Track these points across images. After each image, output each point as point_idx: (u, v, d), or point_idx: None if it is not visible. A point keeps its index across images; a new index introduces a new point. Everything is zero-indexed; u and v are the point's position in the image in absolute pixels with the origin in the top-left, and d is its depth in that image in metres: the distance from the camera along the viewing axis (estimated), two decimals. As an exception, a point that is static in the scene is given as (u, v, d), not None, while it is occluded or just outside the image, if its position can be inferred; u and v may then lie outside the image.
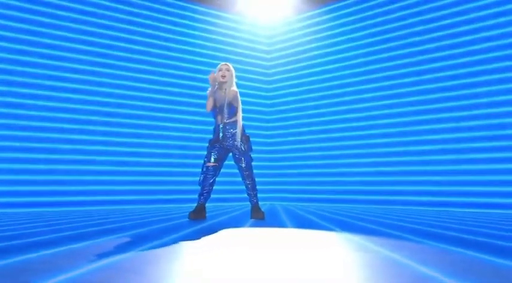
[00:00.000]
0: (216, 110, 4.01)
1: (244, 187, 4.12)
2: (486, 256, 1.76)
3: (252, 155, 4.09)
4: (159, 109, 7.49)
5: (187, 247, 2.01)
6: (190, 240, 2.31)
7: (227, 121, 3.99)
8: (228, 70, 4.00)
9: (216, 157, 4.01)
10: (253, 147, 4.23)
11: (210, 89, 3.97)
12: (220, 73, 3.97)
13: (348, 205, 7.36)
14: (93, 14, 7.04)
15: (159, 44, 7.67)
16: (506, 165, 5.92)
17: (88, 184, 6.56)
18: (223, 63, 4.10)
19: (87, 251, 1.85)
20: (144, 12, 7.61)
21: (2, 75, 6.11)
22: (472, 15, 6.57)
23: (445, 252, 1.89)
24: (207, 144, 4.14)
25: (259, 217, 3.95)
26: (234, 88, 4.03)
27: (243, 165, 4.01)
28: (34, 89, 6.35)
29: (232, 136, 3.98)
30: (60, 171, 6.37)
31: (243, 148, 3.98)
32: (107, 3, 7.21)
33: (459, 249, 1.97)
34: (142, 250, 1.88)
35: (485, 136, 6.16)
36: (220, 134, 4.00)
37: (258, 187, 4.14)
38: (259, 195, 4.20)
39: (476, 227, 3.25)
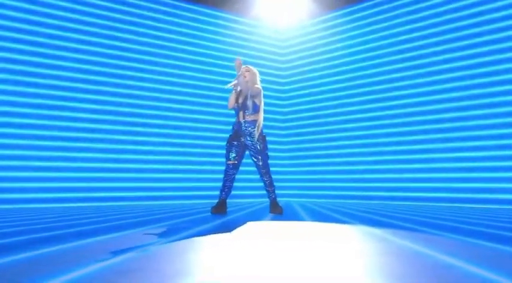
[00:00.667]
0: (238, 107, 4.12)
1: (262, 184, 4.26)
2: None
3: (268, 153, 4.21)
4: (180, 110, 7.77)
5: (212, 238, 2.23)
6: (215, 232, 2.52)
7: (247, 119, 4.08)
8: (248, 70, 4.08)
9: (234, 155, 4.17)
10: (270, 146, 4.40)
11: (234, 81, 4.03)
12: (242, 74, 4.06)
13: (362, 201, 7.52)
14: (122, 21, 7.36)
15: (179, 48, 7.96)
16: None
17: (120, 181, 6.89)
18: (243, 66, 4.19)
19: (123, 240, 2.09)
20: (168, 18, 7.91)
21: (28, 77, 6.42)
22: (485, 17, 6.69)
23: (469, 244, 2.07)
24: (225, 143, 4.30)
25: (277, 212, 4.11)
26: (258, 85, 4.11)
27: (260, 163, 4.14)
28: (64, 91, 6.66)
29: (250, 134, 4.09)
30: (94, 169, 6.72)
31: (258, 147, 4.10)
32: (133, 10, 7.50)
33: (482, 242, 2.15)
34: (172, 241, 2.10)
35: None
36: (239, 131, 4.13)
37: (276, 184, 4.34)
38: (277, 191, 4.40)
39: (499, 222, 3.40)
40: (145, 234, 2.37)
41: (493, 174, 6.27)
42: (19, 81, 6.30)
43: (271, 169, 4.25)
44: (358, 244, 1.98)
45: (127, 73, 7.34)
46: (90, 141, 6.81)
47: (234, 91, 4.08)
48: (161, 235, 2.32)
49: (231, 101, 4.10)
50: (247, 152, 4.28)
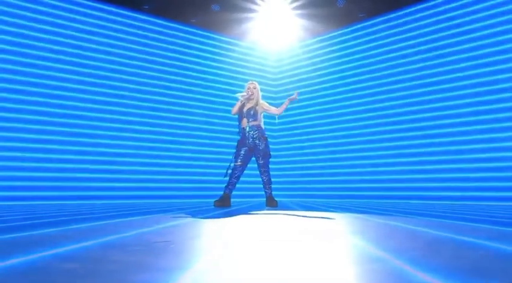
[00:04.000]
0: (242, 115, 4.69)
1: (260, 180, 4.71)
2: None
3: (271, 153, 4.72)
4: (183, 119, 8.32)
5: (217, 221, 2.79)
6: (218, 217, 3.08)
7: (250, 124, 4.64)
8: (255, 88, 4.75)
9: (241, 159, 4.62)
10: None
11: (244, 93, 4.67)
12: (249, 91, 4.68)
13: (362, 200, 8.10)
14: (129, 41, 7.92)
15: (181, 65, 8.51)
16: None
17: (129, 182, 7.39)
18: (250, 82, 4.83)
19: (147, 221, 2.65)
20: (176, 40, 8.51)
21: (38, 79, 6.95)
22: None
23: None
24: (235, 144, 4.80)
25: (273, 205, 4.51)
26: (263, 102, 4.80)
27: (261, 162, 4.63)
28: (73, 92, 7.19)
29: (253, 136, 4.60)
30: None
31: (261, 148, 4.58)
32: (141, 32, 8.09)
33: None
34: (183, 222, 2.67)
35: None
36: (246, 134, 4.62)
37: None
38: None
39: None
40: (172, 216, 2.92)
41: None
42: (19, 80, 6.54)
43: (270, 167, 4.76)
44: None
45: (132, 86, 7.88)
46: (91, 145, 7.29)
47: (239, 101, 4.64)
48: (176, 219, 2.87)
49: (235, 109, 4.68)
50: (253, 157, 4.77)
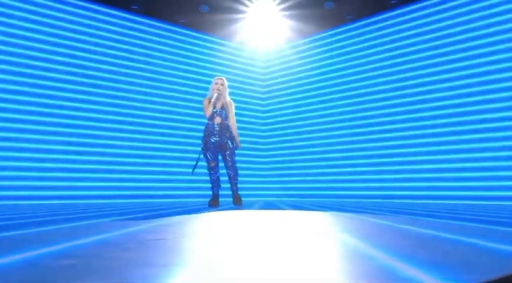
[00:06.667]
0: (212, 114, 4.53)
1: (227, 177, 4.58)
2: None
3: (235, 151, 4.61)
4: (168, 119, 8.31)
5: (212, 216, 2.81)
6: (209, 216, 3.10)
7: (221, 122, 4.52)
8: (222, 84, 4.60)
9: (212, 156, 4.52)
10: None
11: (208, 98, 4.58)
12: (216, 86, 4.56)
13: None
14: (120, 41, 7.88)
15: (168, 65, 8.51)
16: None
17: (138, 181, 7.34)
18: (218, 77, 4.68)
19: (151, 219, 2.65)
20: (164, 40, 8.49)
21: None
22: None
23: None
24: (200, 142, 4.64)
25: (238, 203, 4.51)
26: (229, 98, 4.66)
27: (229, 158, 4.52)
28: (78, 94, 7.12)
29: (223, 134, 4.49)
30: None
31: (230, 145, 4.51)
32: (129, 32, 8.05)
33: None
34: (176, 221, 2.68)
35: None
36: (214, 132, 4.49)
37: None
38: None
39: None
40: (178, 214, 2.92)
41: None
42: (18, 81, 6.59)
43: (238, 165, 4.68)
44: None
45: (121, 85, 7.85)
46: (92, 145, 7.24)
47: (210, 102, 4.51)
48: (177, 213, 2.88)
49: (209, 110, 4.51)
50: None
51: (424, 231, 1.75)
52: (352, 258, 1.07)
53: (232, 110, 4.65)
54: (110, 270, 0.89)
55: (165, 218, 2.53)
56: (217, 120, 4.51)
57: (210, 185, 4.66)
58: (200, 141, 4.63)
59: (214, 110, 4.53)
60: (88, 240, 1.38)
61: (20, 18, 6.72)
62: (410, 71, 7.69)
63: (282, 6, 8.15)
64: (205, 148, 4.51)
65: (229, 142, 4.51)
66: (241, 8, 8.15)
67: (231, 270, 0.91)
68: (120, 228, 1.85)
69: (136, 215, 2.83)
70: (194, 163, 4.58)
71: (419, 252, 1.14)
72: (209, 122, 4.57)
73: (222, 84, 4.59)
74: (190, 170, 4.70)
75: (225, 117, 4.58)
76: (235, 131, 4.62)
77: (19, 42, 6.66)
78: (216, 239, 1.45)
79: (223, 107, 4.59)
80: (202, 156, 4.54)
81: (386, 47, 8.13)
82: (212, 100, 4.49)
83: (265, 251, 1.17)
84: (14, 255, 1.08)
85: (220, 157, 4.65)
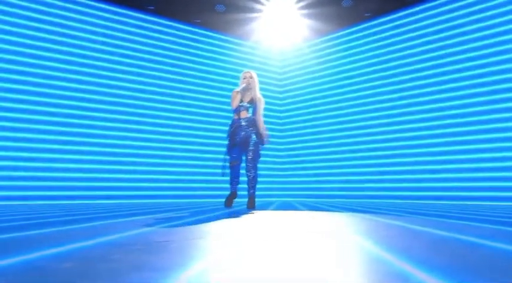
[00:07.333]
0: (239, 108, 4.29)
1: (245, 177, 4.26)
2: None
3: (260, 152, 4.28)
4: (188, 120, 8.34)
5: (224, 216, 2.78)
6: (222, 217, 3.07)
7: (248, 117, 4.28)
8: (251, 77, 4.38)
9: (235, 156, 4.24)
10: (270, 152, 4.73)
11: (236, 90, 4.29)
12: (245, 80, 4.34)
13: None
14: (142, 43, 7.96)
15: (183, 65, 8.56)
16: None
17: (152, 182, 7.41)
18: (246, 71, 4.45)
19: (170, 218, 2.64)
20: (184, 42, 8.54)
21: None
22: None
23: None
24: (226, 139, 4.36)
25: (251, 206, 4.12)
26: (259, 94, 4.37)
27: (250, 157, 4.19)
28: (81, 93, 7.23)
29: (249, 131, 4.21)
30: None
31: (254, 143, 4.20)
32: (145, 33, 8.12)
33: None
34: (202, 217, 2.66)
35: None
36: (240, 127, 4.22)
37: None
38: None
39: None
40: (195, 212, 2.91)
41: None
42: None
43: (259, 166, 4.32)
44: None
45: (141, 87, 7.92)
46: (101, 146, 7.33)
47: (238, 93, 4.27)
48: (196, 214, 2.87)
49: (236, 102, 4.26)
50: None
51: (441, 233, 1.68)
52: (364, 261, 1.03)
53: (261, 107, 4.34)
54: (109, 273, 0.88)
55: (177, 219, 2.51)
56: (243, 114, 4.29)
57: (228, 185, 4.39)
58: (226, 136, 4.36)
59: (241, 104, 4.30)
60: (96, 241, 1.37)
61: (33, 19, 6.85)
62: (432, 68, 7.51)
63: (299, 4, 8.09)
64: (230, 146, 4.26)
65: (254, 140, 4.21)
66: (257, 6, 8.13)
67: (235, 273, 0.88)
68: (131, 228, 1.84)
69: (146, 216, 2.84)
70: (222, 164, 4.31)
71: (435, 256, 1.09)
72: (235, 117, 4.34)
73: (251, 77, 4.37)
74: (215, 170, 4.52)
75: (253, 113, 4.33)
76: (261, 127, 4.30)
77: (30, 43, 6.78)
78: (225, 241, 1.42)
79: (251, 102, 4.35)
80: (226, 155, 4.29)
81: (406, 44, 7.97)
82: (239, 89, 4.26)
83: (278, 252, 1.14)
84: (21, 255, 1.07)
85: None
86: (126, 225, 2.05)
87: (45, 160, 6.61)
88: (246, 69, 4.54)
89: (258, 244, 1.35)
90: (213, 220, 2.42)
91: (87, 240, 1.42)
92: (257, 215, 2.97)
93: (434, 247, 1.32)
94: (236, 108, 4.30)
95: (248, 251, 1.21)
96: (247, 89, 4.32)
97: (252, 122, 4.27)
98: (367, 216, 2.87)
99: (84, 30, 7.36)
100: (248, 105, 4.32)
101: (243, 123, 4.24)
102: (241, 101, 4.30)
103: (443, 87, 7.29)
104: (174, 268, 0.92)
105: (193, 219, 2.54)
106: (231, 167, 4.25)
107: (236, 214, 3.11)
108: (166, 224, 2.12)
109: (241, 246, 1.31)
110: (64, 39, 7.11)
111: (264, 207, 4.55)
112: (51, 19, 7.03)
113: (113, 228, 1.89)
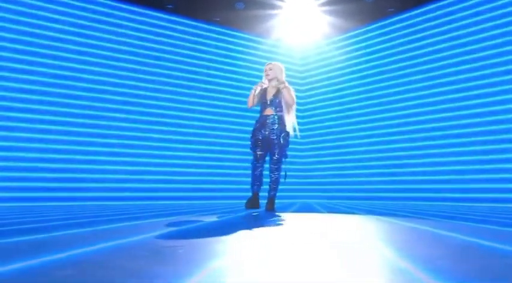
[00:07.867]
0: (263, 104, 4.07)
1: (268, 178, 4.05)
2: None
3: (287, 153, 4.04)
4: (209, 120, 8.33)
5: (241, 219, 2.73)
6: (237, 220, 3.02)
7: (271, 113, 3.99)
8: (271, 69, 4.09)
9: (260, 153, 4.01)
10: (291, 153, 4.55)
11: (257, 85, 4.06)
12: (265, 74, 4.11)
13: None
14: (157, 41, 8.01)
15: (203, 64, 8.57)
16: None
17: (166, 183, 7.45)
18: (267, 63, 4.20)
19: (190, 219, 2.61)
20: (203, 40, 8.56)
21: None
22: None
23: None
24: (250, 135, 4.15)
25: (270, 209, 3.91)
26: (284, 83, 3.98)
27: (275, 157, 3.95)
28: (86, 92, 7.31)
29: (272, 128, 3.94)
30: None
31: (281, 141, 3.92)
32: (164, 32, 8.15)
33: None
34: (219, 218, 2.62)
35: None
36: (263, 125, 3.99)
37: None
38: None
39: None
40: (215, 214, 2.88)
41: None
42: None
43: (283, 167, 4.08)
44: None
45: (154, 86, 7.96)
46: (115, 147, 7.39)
47: (254, 90, 4.05)
48: (215, 215, 2.83)
49: (250, 100, 4.06)
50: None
51: (467, 238, 1.58)
52: (382, 271, 0.95)
53: (288, 97, 3.96)
54: (111, 280, 0.83)
55: (191, 222, 2.48)
56: (269, 111, 4.01)
57: (249, 186, 4.14)
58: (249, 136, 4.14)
59: (264, 100, 4.04)
60: (103, 246, 1.33)
61: (52, 20, 6.95)
62: (460, 64, 7.25)
63: (320, 1, 7.96)
64: (252, 145, 4.05)
65: (278, 139, 3.90)
66: (277, 3, 8.05)
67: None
68: (143, 232, 1.81)
69: (158, 219, 2.81)
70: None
71: (459, 265, 1.00)
72: (260, 114, 4.09)
73: (271, 69, 4.08)
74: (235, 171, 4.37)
75: (276, 106, 3.99)
76: (290, 123, 4.02)
77: (47, 43, 6.86)
78: (237, 246, 1.36)
79: (276, 95, 4.02)
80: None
81: (431, 40, 7.73)
82: (253, 92, 4.02)
83: (292, 256, 1.07)
84: (30, 259, 1.04)
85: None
86: (142, 227, 2.02)
87: (56, 161, 6.65)
88: (268, 62, 4.29)
89: (265, 251, 1.29)
90: (228, 223, 2.37)
91: (97, 243, 1.39)
92: (277, 218, 2.91)
93: (458, 254, 1.22)
94: (261, 106, 4.08)
95: (251, 259, 1.15)
96: (259, 92, 4.06)
97: (278, 120, 3.98)
98: (390, 219, 2.75)
99: (100, 30, 7.42)
100: (273, 99, 4.02)
101: (268, 121, 3.97)
102: (263, 97, 4.06)
103: (474, 83, 7.02)
104: (177, 276, 0.86)
105: (208, 222, 2.49)
106: (252, 167, 4.05)
107: (254, 216, 3.05)
108: (179, 227, 2.09)
109: (246, 254, 1.24)
110: (81, 39, 7.19)
111: (284, 208, 4.48)
112: (72, 20, 7.14)
113: (120, 232, 1.86)
